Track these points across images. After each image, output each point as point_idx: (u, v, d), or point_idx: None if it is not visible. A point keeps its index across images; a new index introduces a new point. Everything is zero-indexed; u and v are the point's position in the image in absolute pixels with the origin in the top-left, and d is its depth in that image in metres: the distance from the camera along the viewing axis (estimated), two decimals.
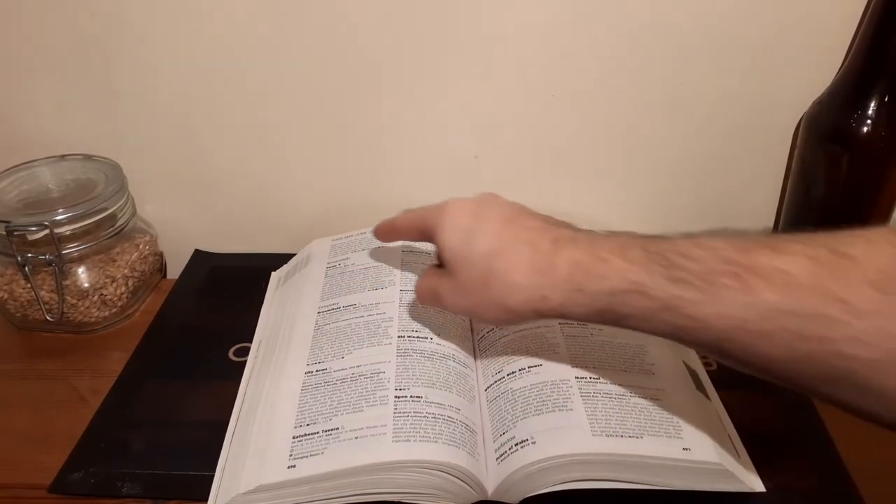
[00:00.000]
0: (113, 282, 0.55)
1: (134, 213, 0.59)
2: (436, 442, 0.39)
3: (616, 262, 0.33)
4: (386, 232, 0.47)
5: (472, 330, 0.49)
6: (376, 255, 0.54)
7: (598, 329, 0.47)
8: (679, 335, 0.32)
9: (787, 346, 0.28)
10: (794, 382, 0.30)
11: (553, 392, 0.41)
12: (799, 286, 0.28)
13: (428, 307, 0.48)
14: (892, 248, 0.27)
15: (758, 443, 0.43)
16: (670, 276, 0.31)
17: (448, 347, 0.46)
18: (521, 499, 0.39)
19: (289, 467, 0.38)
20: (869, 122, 0.49)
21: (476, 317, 0.40)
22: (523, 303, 0.36)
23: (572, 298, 0.34)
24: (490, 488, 0.39)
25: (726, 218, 0.62)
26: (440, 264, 0.41)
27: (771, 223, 0.62)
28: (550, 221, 0.38)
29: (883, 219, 0.53)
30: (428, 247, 0.55)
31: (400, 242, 0.55)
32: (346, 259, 0.55)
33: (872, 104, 0.49)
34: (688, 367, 0.46)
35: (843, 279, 0.27)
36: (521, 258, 0.36)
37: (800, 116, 0.55)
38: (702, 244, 0.31)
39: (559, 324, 0.47)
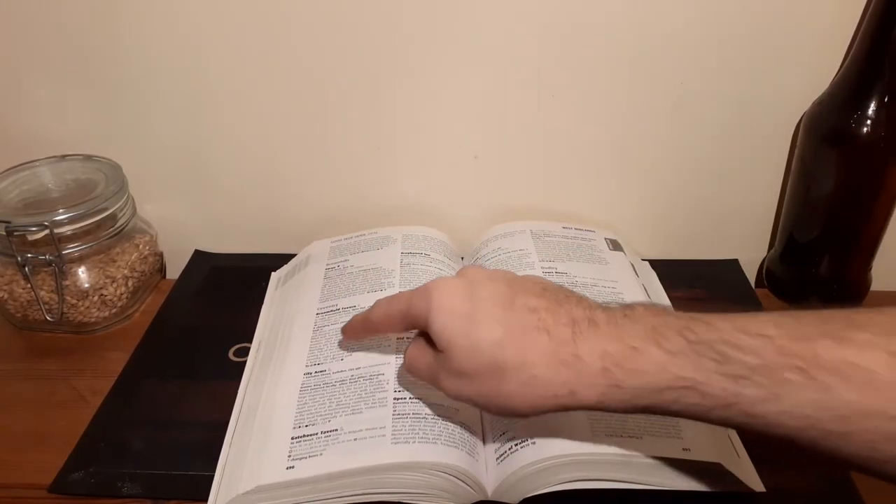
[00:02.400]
0: (113, 282, 0.55)
1: (134, 214, 0.59)
2: (434, 443, 0.39)
3: (653, 353, 0.30)
4: (361, 328, 0.41)
5: None
6: (376, 257, 0.54)
7: None
8: (742, 430, 0.30)
9: (869, 446, 0.26)
10: (881, 476, 0.28)
11: None
12: (882, 385, 0.25)
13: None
14: None
15: (758, 443, 0.42)
16: (725, 371, 0.28)
17: None
18: (521, 499, 0.39)
19: (288, 468, 0.38)
20: (869, 122, 0.49)
21: (485, 408, 0.36)
22: (549, 399, 0.32)
23: (609, 395, 0.31)
24: (490, 488, 0.39)
25: (726, 217, 0.62)
26: (431, 342, 0.36)
27: (770, 223, 0.62)
28: (551, 294, 0.34)
29: (883, 219, 0.53)
30: (427, 249, 0.55)
31: (400, 247, 0.55)
32: (346, 261, 0.55)
33: (872, 104, 0.49)
34: None
35: None
36: (537, 346, 0.32)
37: (800, 116, 0.55)
38: (749, 330, 0.28)
39: None
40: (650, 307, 0.32)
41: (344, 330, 0.43)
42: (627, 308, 0.33)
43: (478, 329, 0.33)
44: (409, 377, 0.40)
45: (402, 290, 0.50)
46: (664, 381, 0.30)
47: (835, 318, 0.28)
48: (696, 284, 0.59)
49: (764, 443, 0.29)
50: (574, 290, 0.51)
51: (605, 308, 0.33)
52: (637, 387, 0.30)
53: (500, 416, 0.37)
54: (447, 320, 0.34)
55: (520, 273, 0.52)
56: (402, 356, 0.44)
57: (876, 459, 0.27)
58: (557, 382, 0.31)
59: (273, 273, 0.60)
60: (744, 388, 0.28)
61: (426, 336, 0.36)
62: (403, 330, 0.39)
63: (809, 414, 0.27)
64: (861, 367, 0.26)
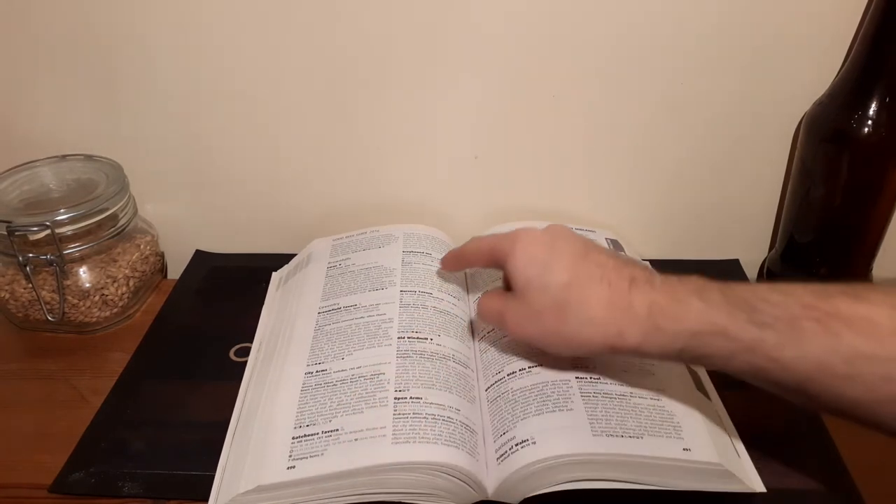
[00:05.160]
0: (114, 282, 0.55)
1: (135, 214, 0.59)
2: (435, 443, 0.39)
3: (694, 304, 0.35)
4: (454, 260, 0.49)
5: (472, 330, 0.49)
6: (378, 255, 0.54)
7: None
8: (759, 376, 0.34)
9: (870, 388, 0.30)
10: (876, 423, 0.31)
11: (553, 392, 0.41)
12: (883, 333, 0.30)
13: (427, 309, 0.48)
14: None
15: (758, 443, 0.43)
16: (752, 319, 0.33)
17: (448, 348, 0.46)
18: (521, 499, 0.39)
19: (288, 468, 0.38)
20: (869, 122, 0.49)
21: (541, 344, 0.41)
22: (599, 336, 0.37)
23: (650, 337, 0.36)
24: (490, 488, 0.39)
25: (727, 218, 0.62)
26: (507, 288, 0.42)
27: (771, 223, 0.62)
28: (621, 259, 0.40)
29: (883, 219, 0.53)
30: (429, 248, 0.56)
31: (401, 245, 0.55)
32: (347, 259, 0.55)
33: (873, 105, 0.49)
34: (688, 367, 0.46)
35: None
36: (598, 293, 0.37)
37: (800, 117, 0.55)
38: (781, 290, 0.33)
39: None
40: (705, 277, 0.36)
41: (442, 261, 0.50)
42: (684, 276, 0.37)
43: (551, 273, 0.39)
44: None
45: (403, 288, 0.50)
46: (699, 325, 0.34)
47: (859, 285, 0.32)
48: None
49: (779, 393, 0.34)
50: None
51: (664, 275, 0.38)
52: (675, 330, 0.35)
53: (555, 354, 0.41)
54: (527, 263, 0.40)
55: None
56: (401, 357, 0.44)
57: (875, 401, 0.30)
58: (609, 323, 0.37)
59: (274, 273, 0.60)
60: (767, 334, 0.32)
61: (499, 291, 0.43)
62: (486, 263, 0.44)
63: (820, 358, 0.31)
64: (867, 318, 0.30)
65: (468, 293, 0.53)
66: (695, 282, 0.36)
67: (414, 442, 0.38)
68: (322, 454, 0.38)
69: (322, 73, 0.56)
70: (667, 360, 0.38)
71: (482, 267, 0.47)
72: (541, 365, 0.44)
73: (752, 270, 0.63)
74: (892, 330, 0.30)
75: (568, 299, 0.38)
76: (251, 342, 0.52)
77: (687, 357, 0.36)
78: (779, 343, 0.32)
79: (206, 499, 0.40)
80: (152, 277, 0.61)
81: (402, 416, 0.40)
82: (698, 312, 0.34)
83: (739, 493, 0.39)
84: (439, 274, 0.52)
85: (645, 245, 0.63)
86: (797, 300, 0.32)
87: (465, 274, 0.56)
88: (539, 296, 0.39)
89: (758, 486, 0.40)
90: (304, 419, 0.41)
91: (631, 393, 0.42)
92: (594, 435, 0.38)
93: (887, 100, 0.48)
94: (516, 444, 0.39)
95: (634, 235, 0.62)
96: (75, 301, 0.54)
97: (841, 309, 0.31)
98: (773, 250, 0.61)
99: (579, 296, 0.37)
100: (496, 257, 0.43)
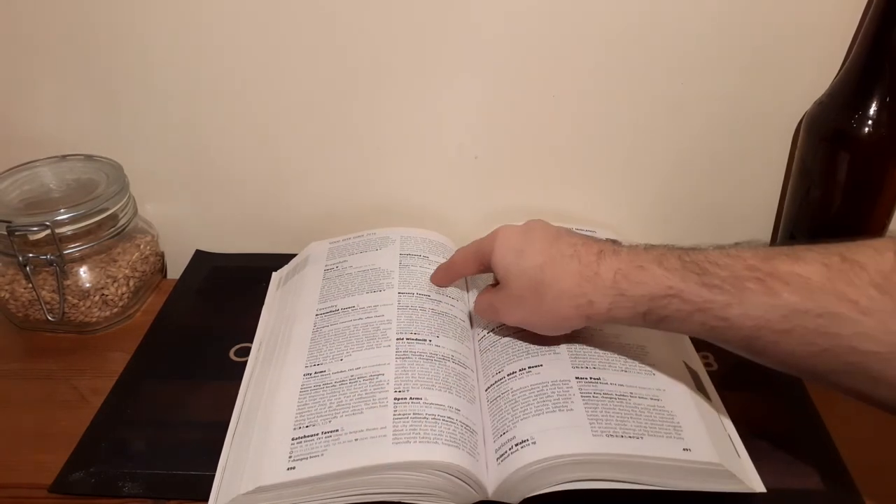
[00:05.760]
0: (114, 282, 0.55)
1: (135, 214, 0.59)
2: (436, 443, 0.39)
3: (654, 270, 0.37)
4: (444, 273, 0.51)
5: (472, 331, 0.49)
6: (375, 258, 0.54)
7: (599, 329, 0.47)
8: (712, 335, 0.36)
9: (806, 342, 0.32)
10: (814, 375, 0.34)
11: (553, 392, 0.41)
12: (814, 289, 0.32)
13: (426, 311, 0.49)
14: (893, 255, 0.31)
15: (758, 443, 0.43)
16: (703, 282, 0.35)
17: (447, 349, 0.46)
18: (521, 499, 0.39)
19: (288, 469, 0.38)
20: (870, 122, 0.49)
21: (530, 325, 0.44)
22: (573, 308, 0.40)
23: (617, 303, 0.38)
24: (490, 488, 0.39)
25: (726, 218, 0.62)
26: (496, 283, 0.45)
27: (771, 223, 0.62)
28: (592, 238, 0.42)
29: (883, 219, 0.53)
30: (426, 251, 0.56)
31: (398, 248, 0.55)
32: (344, 262, 0.55)
33: (873, 105, 0.49)
34: (688, 367, 0.46)
35: (851, 282, 0.31)
36: (568, 269, 0.40)
37: (800, 117, 0.55)
38: (730, 254, 0.36)
39: None
40: (672, 245, 0.39)
41: (432, 278, 0.51)
42: (652, 245, 0.40)
43: (526, 258, 0.42)
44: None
45: (401, 291, 0.50)
46: (658, 290, 0.37)
47: (800, 246, 0.34)
48: None
49: (733, 350, 0.36)
50: None
51: (631, 244, 0.41)
52: (638, 295, 0.38)
53: (544, 332, 0.44)
54: (505, 253, 0.43)
55: None
56: (400, 358, 0.44)
57: (811, 353, 0.33)
58: (579, 294, 0.39)
59: (273, 273, 0.60)
60: (715, 294, 0.35)
61: (489, 287, 0.46)
62: (475, 268, 0.47)
63: (761, 315, 0.33)
64: (800, 275, 0.32)
65: (468, 293, 0.53)
66: (659, 249, 0.39)
67: (414, 442, 0.38)
68: (322, 455, 0.38)
69: (322, 73, 0.56)
70: (636, 325, 0.39)
71: (472, 273, 0.49)
72: (541, 365, 0.44)
73: None
74: (821, 286, 0.32)
75: (542, 279, 0.41)
76: (251, 342, 0.52)
77: (651, 320, 0.38)
78: (726, 303, 0.34)
79: (206, 499, 0.40)
80: (152, 277, 0.61)
81: (402, 416, 0.40)
82: (657, 278, 0.37)
83: (739, 493, 0.39)
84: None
85: None
86: (742, 262, 0.34)
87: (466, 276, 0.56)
88: (518, 280, 0.42)
89: (758, 486, 0.40)
90: (304, 420, 0.41)
91: (631, 393, 0.42)
92: (594, 435, 0.38)
93: (887, 100, 0.48)
94: (516, 444, 0.39)
95: (634, 235, 0.62)
96: (75, 301, 0.54)
97: (779, 268, 0.33)
98: None
99: (552, 273, 0.40)
100: (481, 258, 0.45)
